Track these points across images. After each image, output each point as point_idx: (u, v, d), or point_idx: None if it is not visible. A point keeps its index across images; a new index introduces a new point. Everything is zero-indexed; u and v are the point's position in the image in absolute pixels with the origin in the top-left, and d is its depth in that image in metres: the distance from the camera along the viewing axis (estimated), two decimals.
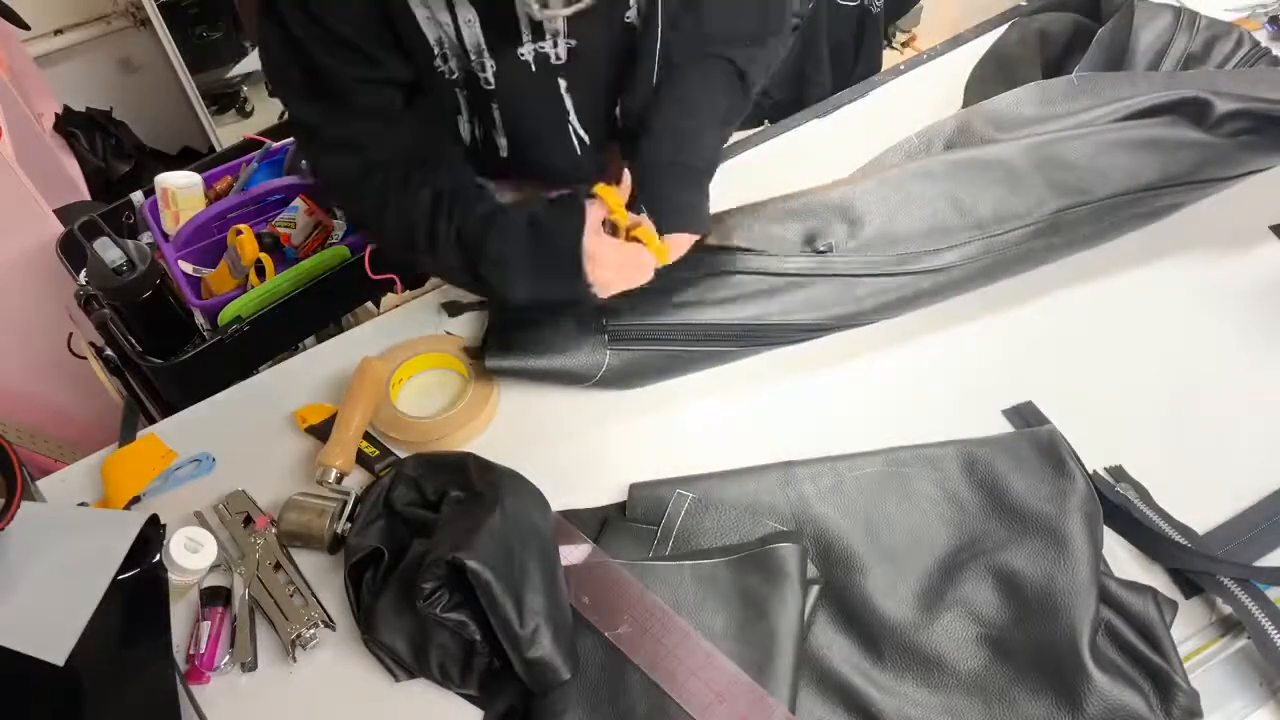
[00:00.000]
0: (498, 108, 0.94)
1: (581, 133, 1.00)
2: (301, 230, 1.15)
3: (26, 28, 1.88)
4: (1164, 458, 0.88)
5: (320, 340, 1.17)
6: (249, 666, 0.78)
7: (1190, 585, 0.80)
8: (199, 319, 1.14)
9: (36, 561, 0.74)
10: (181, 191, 1.20)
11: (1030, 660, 0.74)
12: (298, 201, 1.17)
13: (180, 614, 0.81)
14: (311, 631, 0.78)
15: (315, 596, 0.82)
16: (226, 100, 2.58)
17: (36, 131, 1.73)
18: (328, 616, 0.80)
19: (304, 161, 1.24)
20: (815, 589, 0.79)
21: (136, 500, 0.89)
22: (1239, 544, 0.81)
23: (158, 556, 0.79)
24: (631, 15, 0.92)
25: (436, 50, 0.86)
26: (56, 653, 0.68)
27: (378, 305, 1.30)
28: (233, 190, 1.25)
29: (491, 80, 0.90)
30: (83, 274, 1.15)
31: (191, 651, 0.78)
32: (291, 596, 0.81)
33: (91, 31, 2.29)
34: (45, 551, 0.75)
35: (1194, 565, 0.79)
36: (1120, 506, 0.83)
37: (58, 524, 0.78)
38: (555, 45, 0.90)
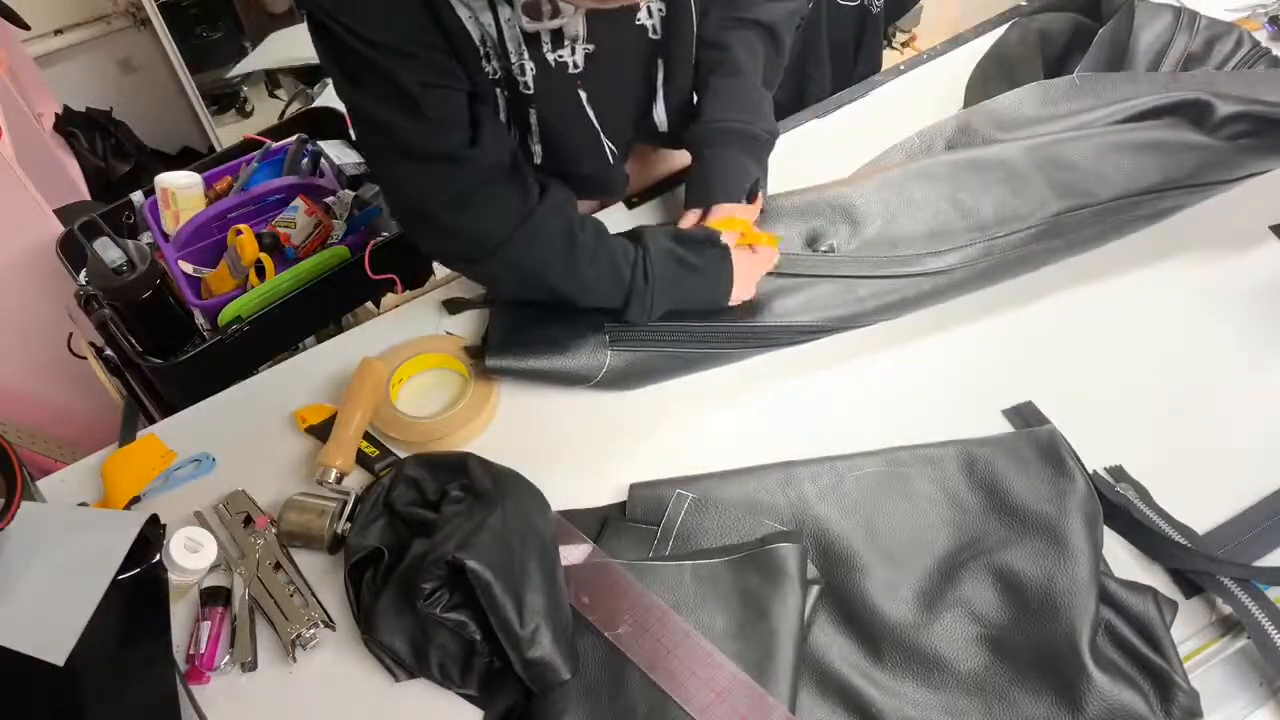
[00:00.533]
0: (535, 112, 0.94)
1: (609, 144, 1.01)
2: (301, 230, 1.15)
3: (26, 28, 1.88)
4: (1164, 458, 0.88)
5: (320, 340, 1.17)
6: (249, 666, 0.78)
7: (1190, 585, 0.80)
8: (199, 319, 1.14)
9: (36, 561, 0.74)
10: (181, 191, 1.20)
11: (1030, 660, 0.74)
12: (298, 201, 1.17)
13: (180, 614, 0.81)
14: (311, 631, 0.78)
15: (315, 596, 0.81)
16: (226, 100, 2.58)
17: (36, 131, 1.73)
18: (328, 616, 0.80)
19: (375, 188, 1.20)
20: (815, 589, 0.79)
21: (136, 500, 0.89)
22: (1239, 544, 0.81)
23: (158, 556, 0.79)
24: (643, 18, 0.92)
25: (481, 50, 0.86)
26: (56, 653, 0.68)
27: (378, 305, 1.30)
28: (233, 190, 1.25)
29: (531, 85, 0.90)
30: (83, 274, 1.15)
31: (191, 651, 0.78)
32: (291, 596, 0.81)
33: (91, 31, 2.29)
34: (45, 551, 0.75)
35: (1194, 565, 0.79)
36: (1120, 506, 0.83)
37: (58, 524, 0.78)
38: (574, 53, 0.91)
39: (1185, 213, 1.07)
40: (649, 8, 0.92)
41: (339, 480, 0.87)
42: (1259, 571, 0.78)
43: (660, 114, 1.03)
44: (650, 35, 0.95)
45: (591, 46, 0.91)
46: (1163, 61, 1.19)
